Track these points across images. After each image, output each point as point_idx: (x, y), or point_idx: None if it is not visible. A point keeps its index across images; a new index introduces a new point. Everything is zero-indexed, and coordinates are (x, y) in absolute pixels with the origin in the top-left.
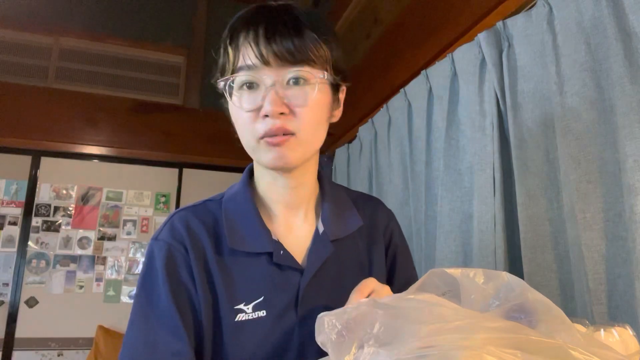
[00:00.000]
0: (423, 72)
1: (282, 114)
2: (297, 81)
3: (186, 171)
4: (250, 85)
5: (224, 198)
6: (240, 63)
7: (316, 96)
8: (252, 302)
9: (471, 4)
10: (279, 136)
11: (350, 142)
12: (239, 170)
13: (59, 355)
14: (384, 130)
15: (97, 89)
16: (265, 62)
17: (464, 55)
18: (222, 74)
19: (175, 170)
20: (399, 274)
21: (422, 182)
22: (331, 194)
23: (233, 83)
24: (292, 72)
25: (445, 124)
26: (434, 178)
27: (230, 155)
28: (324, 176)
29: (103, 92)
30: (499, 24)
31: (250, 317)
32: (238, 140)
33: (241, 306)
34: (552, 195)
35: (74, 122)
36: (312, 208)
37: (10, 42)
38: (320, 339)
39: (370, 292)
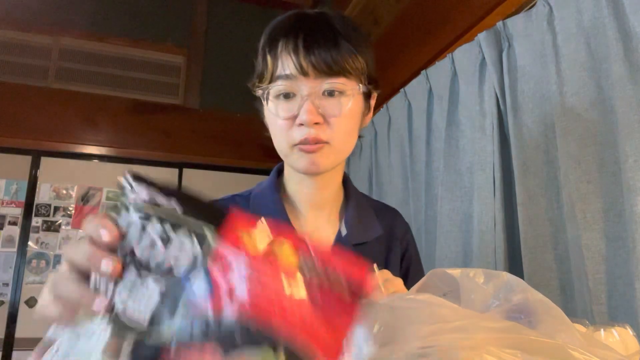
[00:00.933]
0: (423, 72)
1: (317, 123)
2: (332, 92)
3: (186, 171)
4: (287, 95)
5: (252, 194)
6: (279, 72)
7: (350, 107)
8: None
9: (471, 4)
10: (313, 144)
11: None
12: (239, 170)
13: None
14: (384, 130)
15: (97, 89)
16: (304, 73)
17: (464, 55)
18: (260, 81)
19: (175, 170)
20: (409, 285)
21: (422, 182)
22: (355, 199)
23: (270, 90)
24: (328, 83)
25: (445, 124)
26: (434, 178)
27: (230, 155)
28: (349, 181)
29: (103, 92)
30: (499, 24)
31: None
32: (239, 141)
33: None
34: (552, 195)
35: (74, 122)
36: (336, 211)
37: (10, 42)
38: None
39: (384, 279)
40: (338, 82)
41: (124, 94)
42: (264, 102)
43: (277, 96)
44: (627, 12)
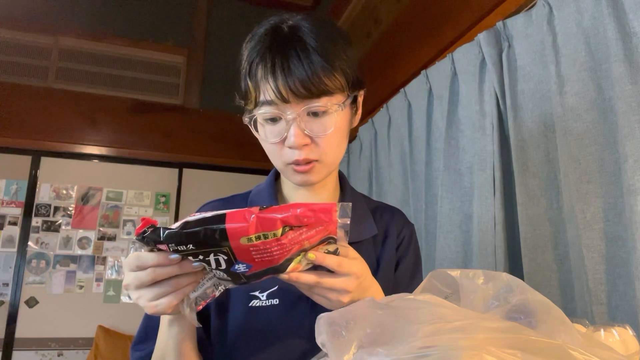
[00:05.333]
0: (423, 72)
1: (305, 144)
2: (316, 113)
3: (186, 171)
4: (274, 119)
5: (250, 194)
6: (261, 98)
7: (336, 123)
8: (267, 290)
9: (471, 4)
10: (304, 165)
11: (350, 142)
12: (239, 170)
13: (59, 355)
14: (384, 130)
15: (97, 89)
16: (284, 100)
17: (464, 55)
18: (245, 102)
19: (175, 170)
20: (398, 281)
21: (422, 182)
22: (350, 199)
23: (256, 117)
24: (310, 106)
25: (445, 124)
26: (434, 178)
27: (230, 155)
28: (346, 181)
29: (103, 92)
30: (499, 24)
31: (263, 304)
32: (239, 141)
33: (256, 293)
34: (552, 195)
35: (74, 122)
36: None
37: (10, 42)
38: (320, 339)
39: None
40: (319, 104)
41: (124, 94)
42: (253, 129)
43: (264, 121)
44: (627, 12)
